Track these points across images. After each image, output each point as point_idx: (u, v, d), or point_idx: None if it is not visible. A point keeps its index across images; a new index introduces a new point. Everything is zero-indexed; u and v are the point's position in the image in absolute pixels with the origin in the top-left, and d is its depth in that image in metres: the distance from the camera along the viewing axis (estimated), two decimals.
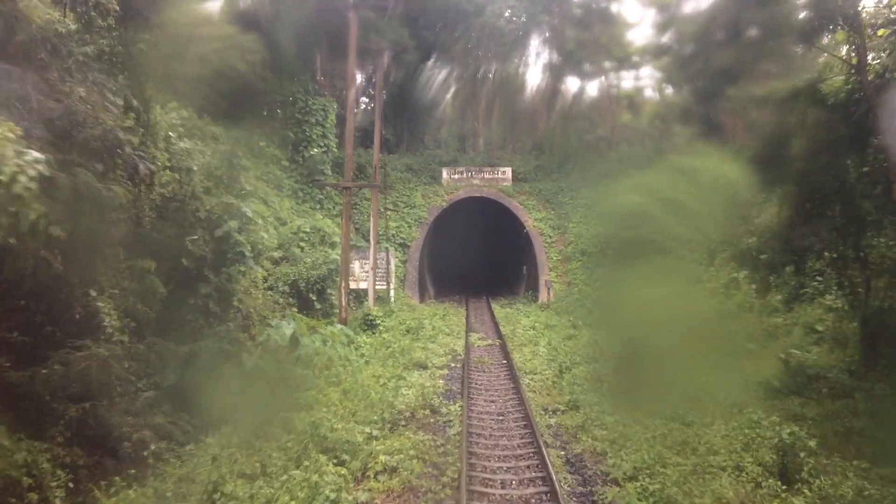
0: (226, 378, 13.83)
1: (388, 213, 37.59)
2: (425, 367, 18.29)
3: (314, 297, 23.97)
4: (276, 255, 24.53)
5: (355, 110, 53.06)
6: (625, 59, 46.24)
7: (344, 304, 22.58)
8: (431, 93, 53.95)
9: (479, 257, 51.38)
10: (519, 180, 41.32)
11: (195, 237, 16.45)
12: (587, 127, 47.47)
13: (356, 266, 31.20)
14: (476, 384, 16.97)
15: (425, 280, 39.01)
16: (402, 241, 36.01)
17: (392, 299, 31.27)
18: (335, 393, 14.50)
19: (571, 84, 54.38)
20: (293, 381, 15.06)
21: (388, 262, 31.05)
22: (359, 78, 52.03)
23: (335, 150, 34.99)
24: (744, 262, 21.13)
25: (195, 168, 17.29)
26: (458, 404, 14.63)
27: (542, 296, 33.26)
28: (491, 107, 50.58)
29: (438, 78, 53.41)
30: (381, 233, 34.85)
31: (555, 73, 49.43)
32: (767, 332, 21.88)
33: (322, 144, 33.65)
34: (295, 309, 21.63)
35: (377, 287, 31.19)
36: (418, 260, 35.60)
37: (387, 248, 31.41)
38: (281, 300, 22.18)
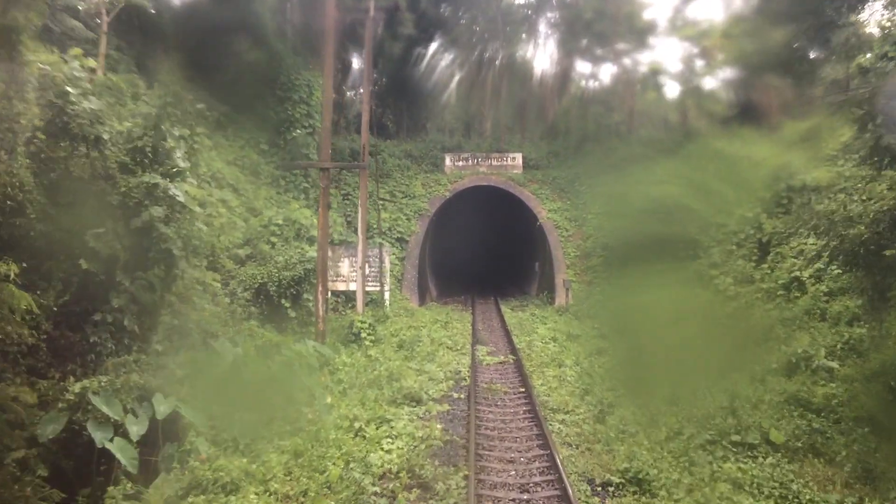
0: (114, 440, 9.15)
1: (384, 203, 32.88)
2: (419, 402, 13.54)
3: (287, 304, 19.27)
4: (242, 253, 19.84)
5: (349, 92, 48.28)
6: (645, 32, 41.55)
7: (321, 313, 17.88)
8: (434, 75, 49.07)
9: (487, 253, 46.52)
10: (530, 167, 36.51)
11: (101, 230, 11.77)
12: (603, 112, 42.65)
13: (345, 265, 26.52)
14: (487, 430, 12.22)
15: (426, 279, 34.29)
16: (399, 235, 31.28)
17: (387, 303, 26.57)
18: (282, 457, 9.79)
19: (583, 68, 49.72)
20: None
21: (381, 260, 26.38)
22: (355, 63, 47.45)
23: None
24: (835, 257, 16.23)
25: (106, 136, 12.58)
26: (460, 474, 9.86)
27: (560, 297, 28.49)
28: (498, 90, 45.69)
29: (441, 59, 48.62)
30: (373, 226, 30.15)
31: (566, 50, 44.61)
32: (850, 347, 17.06)
33: (307, 125, 28.88)
34: (255, 322, 16.89)
35: (369, 289, 26.51)
36: (418, 257, 30.87)
37: (380, 244, 26.70)
38: (242, 310, 17.46)
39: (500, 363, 18.27)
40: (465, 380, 15.80)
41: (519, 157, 36.12)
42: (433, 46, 49.32)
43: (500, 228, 42.60)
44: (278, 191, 27.59)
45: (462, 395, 14.38)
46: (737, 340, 19.78)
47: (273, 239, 20.66)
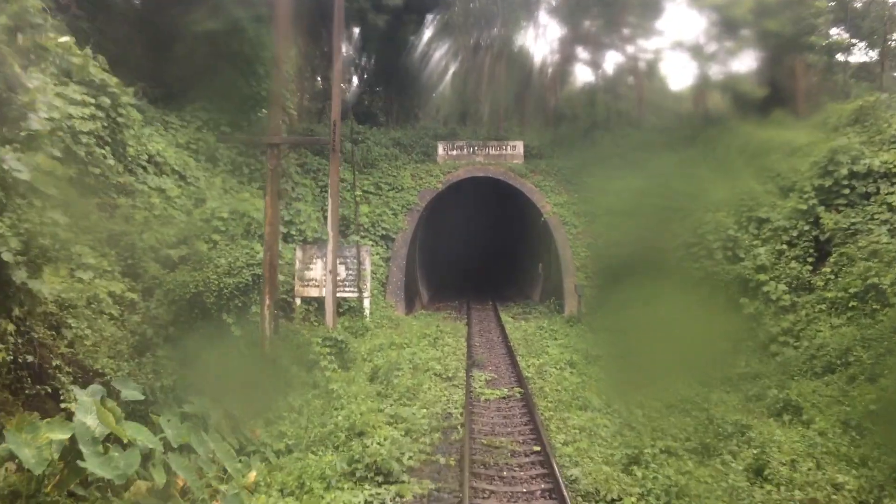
0: None
1: (368, 196, 28.27)
2: (387, 476, 8.94)
3: (230, 320, 14.66)
4: (175, 254, 15.21)
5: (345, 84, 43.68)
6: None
7: (268, 333, 13.29)
8: (426, 59, 44.45)
9: (484, 252, 41.90)
10: (532, 156, 31.90)
11: None
12: (610, 100, 38.14)
13: (319, 267, 21.94)
14: None
15: (415, 282, 29.68)
16: (383, 232, 26.68)
17: (366, 312, 21.98)
18: None
19: (586, 55, 45.38)
20: None
21: (360, 262, 21.80)
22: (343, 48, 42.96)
23: (292, 110, 25.66)
24: None
25: None
26: None
27: (570, 305, 23.91)
28: (496, 73, 41.10)
29: (434, 42, 44.05)
30: (352, 220, 25.57)
31: (569, 30, 40.07)
32: None
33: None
34: (165, 352, 12.22)
35: (345, 295, 21.93)
36: (405, 257, 26.27)
37: (358, 242, 22.10)
38: (155, 332, 12.82)
39: (504, 399, 13.65)
40: (458, 430, 11.18)
41: (520, 146, 31.54)
42: (427, 34, 44.75)
43: (498, 224, 37.99)
44: (240, 180, 22.97)
45: (452, 461, 9.77)
46: (814, 369, 15.28)
47: (215, 236, 16.04)
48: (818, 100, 33.27)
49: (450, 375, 15.10)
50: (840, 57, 36.38)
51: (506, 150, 31.44)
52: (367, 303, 22.14)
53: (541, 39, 48.17)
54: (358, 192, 28.05)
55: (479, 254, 41.79)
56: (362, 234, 26.20)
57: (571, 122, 34.82)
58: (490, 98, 38.22)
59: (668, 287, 20.67)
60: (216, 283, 14.61)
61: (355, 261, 22.27)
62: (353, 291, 21.80)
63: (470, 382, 14.62)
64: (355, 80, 46.40)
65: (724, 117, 30.58)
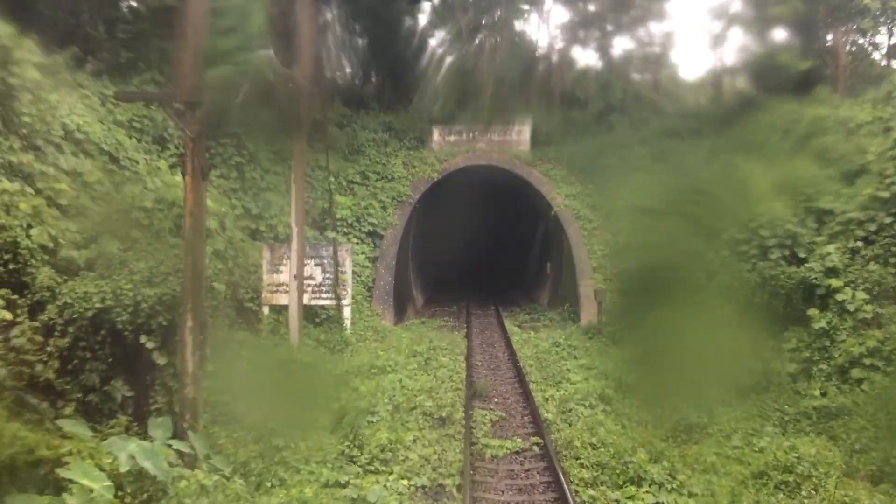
0: None
1: (353, 187, 24.29)
2: None
3: (153, 344, 10.66)
4: (80, 256, 11.23)
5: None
6: None
7: (191, 366, 9.34)
8: (422, 41, 40.42)
9: (486, 250, 37.85)
10: (540, 143, 27.88)
11: None
12: (625, 81, 34.13)
13: (288, 270, 17.99)
14: None
15: (407, 285, 25.67)
16: (370, 228, 22.69)
17: (347, 323, 18.03)
18: None
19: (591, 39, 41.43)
20: None
21: (337, 263, 17.84)
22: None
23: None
24: None
25: None
26: None
27: (587, 313, 19.92)
28: (496, 57, 37.04)
29: (431, 24, 40.06)
30: (336, 212, 21.63)
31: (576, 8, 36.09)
32: None
33: (238, 62, 20.18)
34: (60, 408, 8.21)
35: (322, 302, 18.00)
36: (395, 256, 22.28)
37: (334, 240, 18.13)
38: (19, 371, 8.86)
39: (518, 455, 9.69)
40: None
41: (526, 130, 27.53)
42: (423, 17, 40.74)
43: (501, 219, 33.93)
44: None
45: None
46: None
47: (135, 233, 12.06)
48: (852, 79, 29.29)
49: (444, 416, 11.11)
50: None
51: (510, 135, 27.45)
52: (347, 311, 18.18)
53: (544, 25, 44.11)
54: (341, 181, 24.09)
55: (480, 251, 37.79)
56: (345, 230, 22.23)
57: (583, 106, 30.81)
58: (492, 81, 34.13)
59: (711, 294, 16.78)
60: (131, 294, 10.62)
61: (333, 262, 18.32)
62: (330, 298, 17.86)
63: (470, 427, 10.65)
64: (346, 65, 42.43)
65: (756, 98, 26.60)
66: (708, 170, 20.22)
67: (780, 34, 26.32)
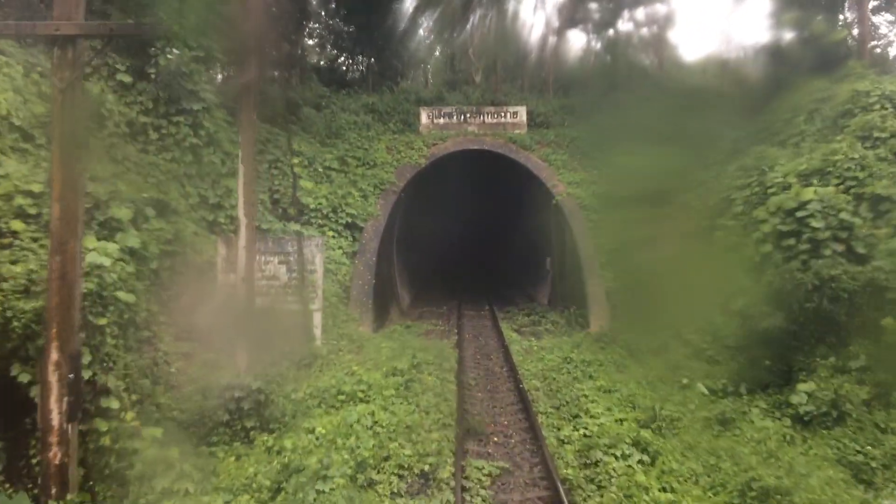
0: None
1: (330, 174, 21.18)
2: None
3: (28, 376, 7.66)
4: None
5: (309, 41, 36.20)
6: None
7: (56, 423, 6.34)
8: (409, 22, 37.22)
9: (478, 243, 34.90)
10: (537, 125, 24.95)
11: None
12: (632, 53, 31.09)
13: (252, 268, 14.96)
14: None
15: (391, 284, 22.60)
16: (349, 220, 19.62)
17: (317, 332, 15.02)
18: None
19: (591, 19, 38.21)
20: None
21: (303, 262, 14.82)
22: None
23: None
24: None
25: None
26: None
27: (598, 317, 16.93)
28: (489, 38, 33.91)
29: (419, 6, 36.80)
30: (311, 205, 18.62)
31: None
32: None
33: (193, 44, 17.04)
34: None
35: (286, 308, 14.99)
36: (376, 251, 19.23)
37: (299, 233, 15.05)
38: None
39: None
40: None
41: (522, 112, 24.54)
42: None
43: (496, 209, 30.90)
44: (143, 146, 15.85)
45: None
46: None
47: (16, 225, 8.97)
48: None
49: (425, 469, 8.13)
50: None
51: (505, 116, 24.45)
52: (317, 318, 15.18)
53: (539, 11, 40.89)
54: (317, 168, 21.01)
55: (472, 244, 34.80)
56: (320, 221, 19.17)
57: (583, 85, 27.79)
58: (483, 60, 30.98)
59: (752, 297, 13.88)
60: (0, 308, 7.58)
61: (298, 259, 15.31)
62: (293, 302, 14.86)
63: (462, 486, 7.67)
64: (328, 46, 39.14)
65: (777, 76, 23.58)
66: (733, 152, 17.27)
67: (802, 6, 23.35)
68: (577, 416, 10.05)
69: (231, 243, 15.03)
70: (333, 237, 19.06)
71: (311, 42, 39.65)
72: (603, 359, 14.02)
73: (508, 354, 14.94)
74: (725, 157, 21.35)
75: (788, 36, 19.34)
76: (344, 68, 37.60)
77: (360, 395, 10.85)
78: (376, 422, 9.75)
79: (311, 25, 36.27)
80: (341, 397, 10.84)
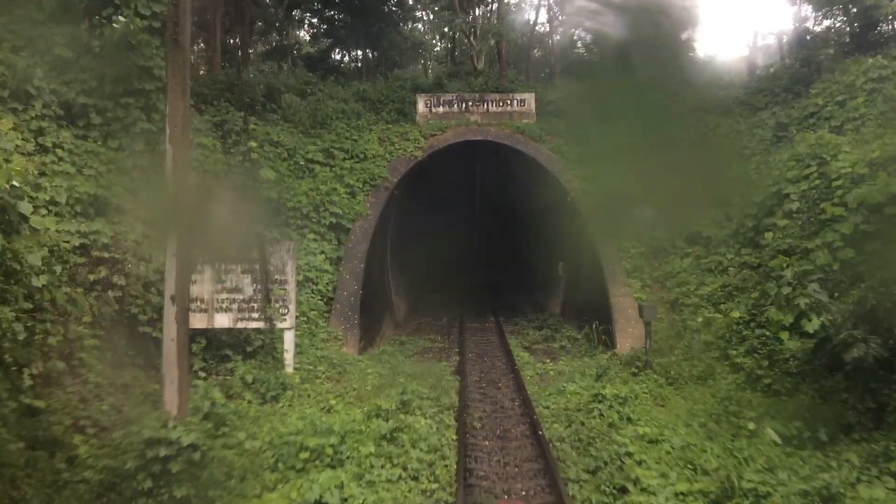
0: None
1: (313, 168, 18.37)
2: None
3: None
4: None
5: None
6: None
7: None
8: (407, 10, 34.32)
9: (482, 245, 32.06)
10: (547, 114, 22.10)
11: None
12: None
13: (206, 277, 12.15)
14: None
15: (384, 292, 19.71)
16: (333, 220, 16.77)
17: (288, 355, 12.19)
18: None
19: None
20: None
21: (265, 272, 12.01)
22: None
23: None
24: None
25: None
26: None
27: (626, 335, 14.03)
28: (492, 26, 31.05)
29: None
30: (275, 200, 15.85)
31: None
32: None
33: (145, 11, 14.22)
34: None
35: (250, 326, 12.19)
36: (365, 256, 16.37)
37: (259, 237, 12.16)
38: None
39: None
40: None
41: (530, 99, 21.73)
42: None
43: (502, 206, 28.04)
44: (85, 132, 13.07)
45: None
46: None
47: None
48: None
49: None
50: None
51: (511, 104, 21.65)
52: (289, 338, 12.34)
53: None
54: (297, 161, 18.21)
55: (475, 246, 31.97)
56: (299, 222, 16.34)
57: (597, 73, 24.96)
58: (486, 46, 28.09)
59: (831, 314, 11.01)
60: None
61: (272, 266, 12.48)
62: (256, 319, 12.06)
63: None
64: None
65: (822, 59, 20.75)
66: (778, 145, 14.26)
67: None
68: (622, 490, 7.20)
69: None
70: (315, 240, 16.25)
71: (302, 33, 36.89)
72: (636, 389, 11.16)
73: (520, 383, 12.09)
74: (765, 147, 18.57)
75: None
76: (338, 59, 34.82)
77: (329, 452, 8.01)
78: (348, 495, 6.92)
79: (301, 14, 33.50)
80: (304, 455, 8.01)
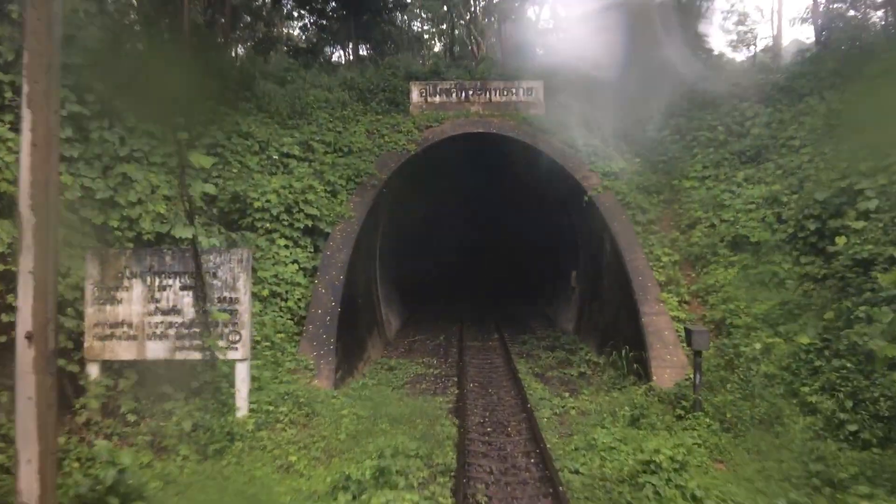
0: None
1: (288, 162, 15.65)
2: None
3: None
4: None
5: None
6: None
7: None
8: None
9: (485, 251, 29.27)
10: (559, 105, 19.50)
11: None
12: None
13: (134, 296, 9.43)
14: None
15: (372, 307, 16.84)
16: (308, 223, 13.98)
17: (240, 395, 9.42)
18: None
19: None
20: None
21: (203, 289, 9.30)
22: None
23: None
24: None
25: None
26: None
27: (662, 362, 11.25)
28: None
29: None
30: (219, 197, 13.21)
31: None
32: None
33: None
34: None
35: (188, 356, 9.43)
36: (346, 265, 13.55)
37: (194, 243, 9.42)
38: None
39: None
40: None
41: (539, 88, 19.04)
42: None
43: (506, 206, 25.29)
44: None
45: None
46: None
47: None
48: None
49: None
50: None
51: (517, 94, 18.96)
52: (242, 371, 9.55)
53: None
54: (270, 155, 15.48)
55: (477, 251, 29.20)
56: (267, 225, 13.56)
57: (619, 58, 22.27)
58: (488, 34, 25.36)
59: None
60: None
61: (218, 281, 9.73)
62: (188, 347, 9.31)
63: None
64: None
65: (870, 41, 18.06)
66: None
67: None
68: None
69: (109, 260, 9.57)
70: (286, 247, 13.49)
71: (295, 31, 34.20)
72: (689, 441, 8.41)
73: (536, 430, 9.31)
74: (817, 137, 15.88)
75: None
76: (328, 54, 32.15)
77: None
78: None
79: (290, 1, 30.83)
80: None
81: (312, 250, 13.89)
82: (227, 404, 9.36)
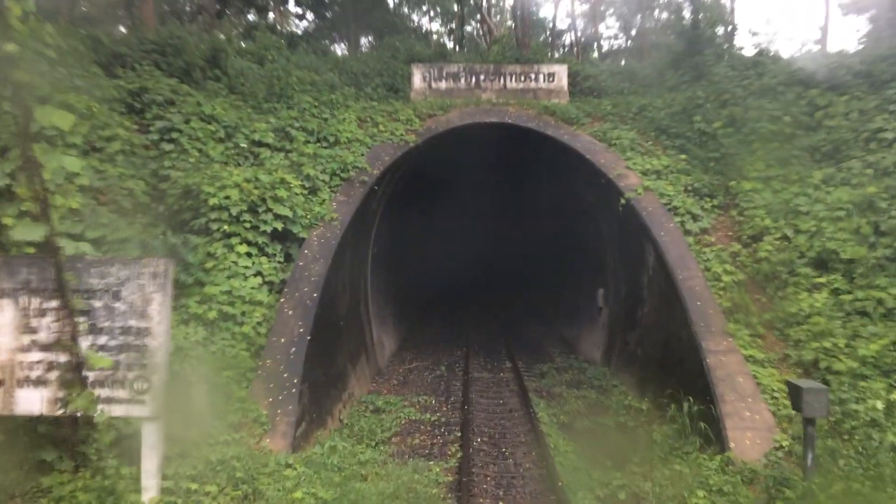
0: None
1: (258, 153, 12.69)
2: None
3: None
4: None
5: None
6: None
7: None
8: None
9: (496, 260, 26.16)
10: (583, 92, 16.58)
11: None
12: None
13: (3, 322, 6.52)
14: None
15: (360, 331, 13.67)
16: (278, 227, 10.95)
17: (148, 470, 6.40)
18: None
19: None
20: None
21: (68, 318, 6.34)
22: None
23: None
24: None
25: None
26: None
27: (740, 423, 8.20)
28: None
29: None
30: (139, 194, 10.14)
31: None
32: None
33: None
34: None
35: (58, 413, 6.36)
36: (322, 281, 10.50)
37: (55, 253, 6.42)
38: None
39: None
40: None
41: (562, 73, 16.02)
42: None
43: (522, 209, 22.15)
44: None
45: None
46: None
47: None
48: None
49: None
50: None
51: (536, 80, 15.98)
52: (151, 434, 6.48)
53: None
54: (238, 143, 12.53)
55: (487, 262, 26.13)
56: (225, 227, 10.56)
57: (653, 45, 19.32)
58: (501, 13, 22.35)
59: None
60: None
61: (122, 304, 6.71)
62: (119, 398, 6.28)
63: None
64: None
65: None
66: None
67: None
68: None
69: None
70: (246, 255, 10.47)
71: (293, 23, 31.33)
72: None
73: None
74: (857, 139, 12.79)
75: None
76: (325, 44, 29.24)
77: None
78: None
79: None
80: None
81: (282, 259, 10.89)
82: (133, 479, 6.36)
